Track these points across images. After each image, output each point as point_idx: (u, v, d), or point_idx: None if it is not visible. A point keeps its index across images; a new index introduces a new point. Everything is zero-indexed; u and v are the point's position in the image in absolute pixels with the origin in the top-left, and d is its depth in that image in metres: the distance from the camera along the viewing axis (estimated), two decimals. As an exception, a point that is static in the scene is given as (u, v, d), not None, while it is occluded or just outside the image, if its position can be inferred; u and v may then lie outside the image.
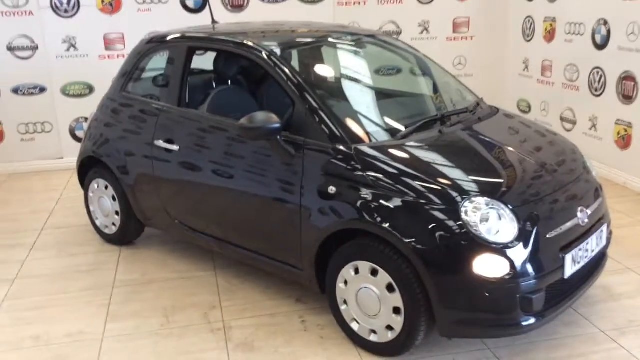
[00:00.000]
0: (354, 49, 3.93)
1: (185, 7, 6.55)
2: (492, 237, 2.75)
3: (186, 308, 3.62)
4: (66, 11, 6.29)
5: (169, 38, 4.07)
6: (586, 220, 3.06)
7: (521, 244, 2.78)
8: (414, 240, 2.79)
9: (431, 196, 2.84)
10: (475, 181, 2.96)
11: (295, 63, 3.49)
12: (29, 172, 6.47)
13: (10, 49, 6.26)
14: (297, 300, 3.65)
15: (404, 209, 2.86)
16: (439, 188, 2.86)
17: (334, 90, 3.53)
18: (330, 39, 3.98)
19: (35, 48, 6.31)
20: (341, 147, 3.09)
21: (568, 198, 3.09)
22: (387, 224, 2.86)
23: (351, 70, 3.78)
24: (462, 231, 2.75)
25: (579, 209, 3.05)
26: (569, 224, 2.97)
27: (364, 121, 3.31)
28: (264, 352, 3.17)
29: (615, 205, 5.01)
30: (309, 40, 3.91)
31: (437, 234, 2.78)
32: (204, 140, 3.68)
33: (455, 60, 7.32)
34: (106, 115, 4.39)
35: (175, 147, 3.79)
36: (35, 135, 6.54)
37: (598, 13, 5.71)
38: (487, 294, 2.75)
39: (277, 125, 3.17)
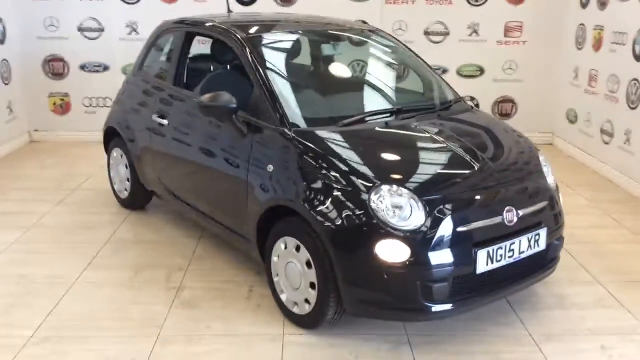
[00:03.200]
0: (334, 41, 4.11)
1: (238, -1, 6.96)
2: (397, 223, 2.87)
3: (156, 267, 3.97)
4: (131, -2, 6.90)
5: (174, 23, 4.45)
6: (514, 220, 3.07)
7: (426, 232, 2.87)
8: (324, 219, 2.96)
9: (345, 181, 3.00)
10: (391, 170, 3.09)
11: (261, 50, 3.71)
12: (88, 142, 7.10)
13: (80, 29, 6.97)
14: (257, 272, 3.89)
15: (320, 191, 3.03)
16: (354, 174, 3.01)
17: (292, 78, 3.70)
18: (311, 31, 4.17)
19: (101, 30, 6.98)
20: (283, 130, 3.30)
21: (495, 196, 3.11)
22: (305, 203, 3.05)
23: (317, 61, 3.96)
24: (368, 215, 2.89)
25: (507, 208, 3.06)
26: (487, 221, 3.00)
27: (310, 108, 3.50)
28: (201, 311, 3.45)
29: (626, 222, 4.83)
30: (286, 30, 4.11)
31: (345, 216, 2.93)
32: (181, 115, 4.01)
33: (505, 65, 7.20)
34: (126, 90, 4.86)
35: (165, 122, 4.16)
36: (97, 108, 7.21)
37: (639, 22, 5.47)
38: (386, 277, 2.87)
39: (232, 106, 3.44)
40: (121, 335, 3.20)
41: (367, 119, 3.47)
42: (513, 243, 3.07)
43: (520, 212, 3.11)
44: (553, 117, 7.26)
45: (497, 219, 3.03)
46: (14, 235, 4.46)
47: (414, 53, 4.35)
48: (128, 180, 4.84)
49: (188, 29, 4.25)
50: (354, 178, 3.00)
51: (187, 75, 4.30)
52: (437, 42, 7.13)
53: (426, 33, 7.09)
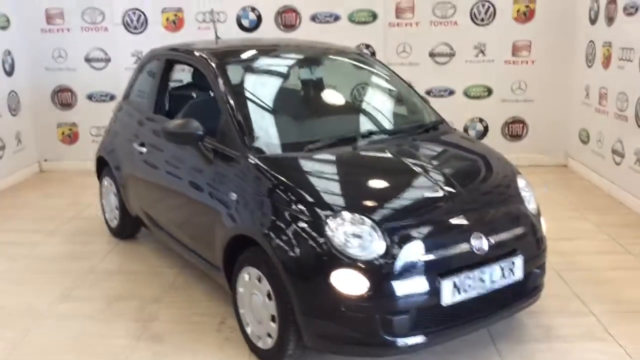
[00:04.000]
0: (310, 66, 4.01)
1: (240, 26, 6.96)
2: (354, 253, 2.73)
3: (132, 299, 3.89)
4: (135, 28, 6.97)
5: (157, 51, 4.44)
6: (484, 248, 2.89)
7: (385, 262, 2.72)
8: (280, 248, 2.85)
9: (302, 208, 2.88)
10: (351, 197, 2.95)
11: (231, 77, 3.62)
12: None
13: (87, 60, 7.07)
14: (232, 304, 3.75)
15: (278, 218, 2.93)
16: (312, 201, 2.89)
17: (260, 104, 3.59)
18: (288, 56, 4.08)
19: (108, 60, 7.06)
20: (245, 156, 3.21)
21: (463, 223, 2.94)
22: (263, 231, 2.94)
23: (289, 86, 3.85)
24: (325, 245, 2.76)
25: (475, 235, 2.89)
26: (454, 249, 2.84)
27: (276, 134, 3.40)
28: (168, 344, 3.35)
29: (632, 248, 4.55)
30: (262, 56, 4.01)
31: (301, 245, 2.81)
32: (159, 143, 3.97)
33: (514, 85, 6.99)
34: (114, 119, 4.86)
35: (144, 150, 4.12)
36: (104, 137, 7.26)
37: (646, 37, 5.25)
38: (343, 310, 2.73)
39: (199, 133, 3.37)
40: (80, 370, 3.13)
41: (335, 143, 3.34)
42: (483, 272, 2.89)
43: (492, 240, 2.93)
44: (566, 138, 7.00)
45: (464, 247, 2.86)
46: (1, 266, 4.45)
47: (398, 76, 4.20)
48: (117, 209, 4.81)
49: (168, 56, 4.23)
50: (311, 205, 2.88)
51: (170, 103, 4.27)
52: (443, 64, 6.98)
53: (431, 55, 6.96)
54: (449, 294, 2.79)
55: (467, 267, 2.86)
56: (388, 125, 3.79)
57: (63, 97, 7.20)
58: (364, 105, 3.97)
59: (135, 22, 6.95)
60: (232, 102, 3.41)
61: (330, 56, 4.19)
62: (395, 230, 2.79)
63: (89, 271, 4.33)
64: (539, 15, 6.78)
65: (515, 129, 7.15)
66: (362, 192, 3.03)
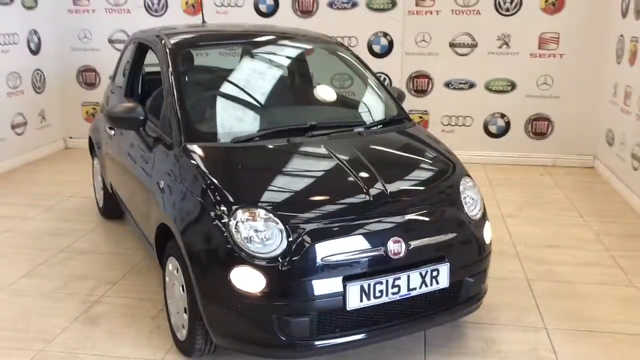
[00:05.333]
0: (272, 55, 3.89)
1: (258, 11, 6.91)
2: (254, 250, 2.64)
3: (89, 279, 3.95)
4: (156, 10, 7.06)
5: (136, 34, 4.45)
6: (401, 253, 2.73)
7: (285, 262, 2.61)
8: (189, 240, 2.80)
9: (211, 202, 2.81)
10: (260, 192, 2.84)
11: (179, 62, 3.56)
12: (115, 150, 7.35)
13: (111, 41, 7.22)
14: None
15: (188, 209, 2.88)
16: (221, 195, 2.80)
17: (203, 92, 3.53)
18: (250, 45, 3.96)
19: (129, 42, 7.17)
20: (172, 144, 3.17)
21: (380, 226, 2.77)
22: (176, 221, 2.89)
23: (243, 76, 3.73)
24: (226, 240, 2.68)
25: (393, 239, 2.73)
26: (365, 253, 2.69)
27: (207, 123, 3.34)
28: (99, 328, 3.37)
29: (624, 261, 4.20)
30: (222, 42, 3.93)
31: (205, 238, 2.76)
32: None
33: (540, 80, 6.60)
34: (105, 100, 4.94)
35: (112, 132, 4.16)
36: (125, 118, 7.41)
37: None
38: (241, 307, 2.65)
39: (140, 118, 3.36)
40: (6, 347, 3.19)
41: (270, 136, 3.24)
42: (398, 278, 2.72)
43: (412, 244, 2.76)
44: (593, 138, 6.55)
45: (378, 252, 2.70)
46: (-16, 238, 4.64)
47: (367, 67, 4.00)
48: (102, 189, 4.89)
49: (140, 39, 4.23)
50: (218, 199, 2.79)
51: (143, 87, 4.27)
52: (464, 55, 6.68)
53: (452, 45, 6.67)
54: (356, 298, 2.65)
55: (380, 272, 2.70)
56: (336, 118, 3.63)
57: (88, 77, 7.41)
58: (315, 97, 3.82)
59: (156, 5, 7.04)
60: (172, 88, 3.36)
61: (295, 45, 4.05)
62: (300, 229, 2.67)
63: (62, 249, 4.42)
64: (569, 6, 6.36)
65: (539, 127, 6.77)
66: (274, 187, 2.92)
